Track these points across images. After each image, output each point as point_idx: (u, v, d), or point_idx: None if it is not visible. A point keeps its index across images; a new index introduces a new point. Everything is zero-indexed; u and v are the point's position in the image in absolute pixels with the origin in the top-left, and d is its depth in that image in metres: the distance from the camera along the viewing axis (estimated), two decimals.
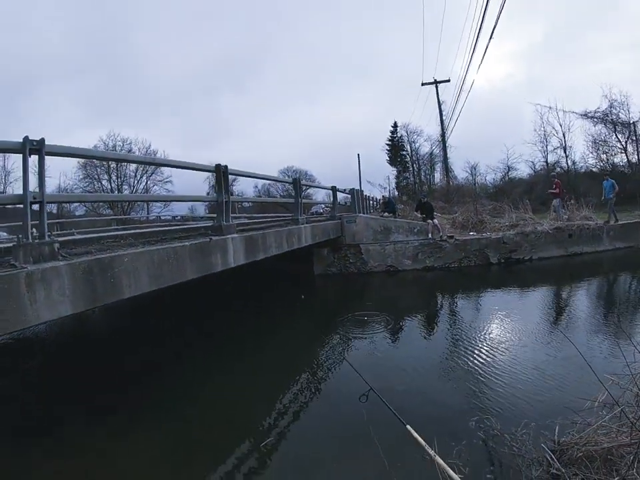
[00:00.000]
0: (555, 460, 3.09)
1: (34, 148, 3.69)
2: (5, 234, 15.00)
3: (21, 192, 3.68)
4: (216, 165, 6.12)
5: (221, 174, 6.08)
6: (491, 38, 16.02)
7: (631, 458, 2.65)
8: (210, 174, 40.10)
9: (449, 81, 30.27)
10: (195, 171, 6.39)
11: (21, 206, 3.75)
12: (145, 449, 4.14)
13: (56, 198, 4.10)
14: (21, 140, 3.61)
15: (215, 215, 6.71)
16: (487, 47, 17.88)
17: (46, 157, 3.82)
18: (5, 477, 3.68)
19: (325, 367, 6.02)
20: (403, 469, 3.23)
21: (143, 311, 10.12)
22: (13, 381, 6.34)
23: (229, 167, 6.15)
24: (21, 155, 3.65)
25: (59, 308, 3.65)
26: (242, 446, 4.15)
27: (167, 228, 8.39)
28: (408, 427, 2.07)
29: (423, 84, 31.35)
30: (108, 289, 4.08)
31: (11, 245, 4.64)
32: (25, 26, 53.21)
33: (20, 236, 3.72)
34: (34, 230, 3.77)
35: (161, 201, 26.48)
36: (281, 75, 78.33)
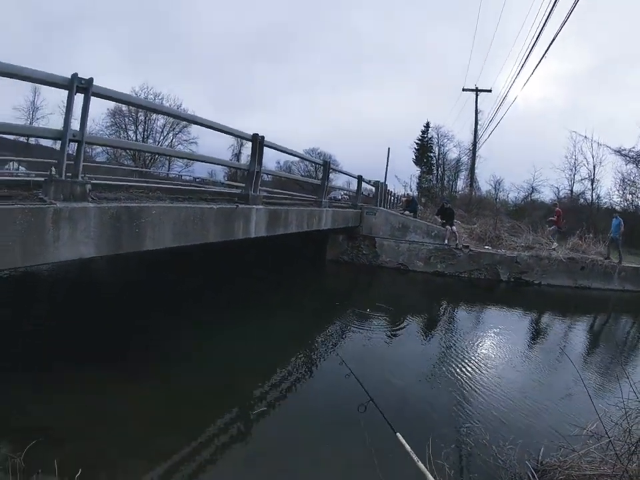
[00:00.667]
0: (536, 478, 3.16)
1: (81, 86, 3.64)
2: (23, 168, 15.11)
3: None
4: (253, 134, 6.11)
5: (257, 144, 6.07)
6: (543, 57, 15.71)
7: None
8: (235, 142, 40.73)
9: (490, 91, 29.65)
10: (219, 138, 6.40)
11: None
12: (143, 399, 4.21)
13: (95, 140, 4.07)
14: (69, 77, 3.56)
15: (237, 184, 6.67)
16: (537, 65, 17.44)
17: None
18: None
19: (326, 363, 5.88)
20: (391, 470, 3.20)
21: (169, 266, 10.28)
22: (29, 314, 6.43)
23: (265, 139, 6.11)
24: (67, 91, 3.60)
25: (81, 249, 3.65)
26: (233, 412, 4.28)
27: (191, 188, 8.39)
28: (398, 434, 2.11)
29: (464, 89, 30.72)
30: (132, 238, 4.12)
31: (37, 179, 4.62)
32: None
33: (53, 172, 3.70)
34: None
35: (194, 160, 26.41)
36: (321, 57, 77.59)
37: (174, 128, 37.02)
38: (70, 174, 3.77)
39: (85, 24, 56.10)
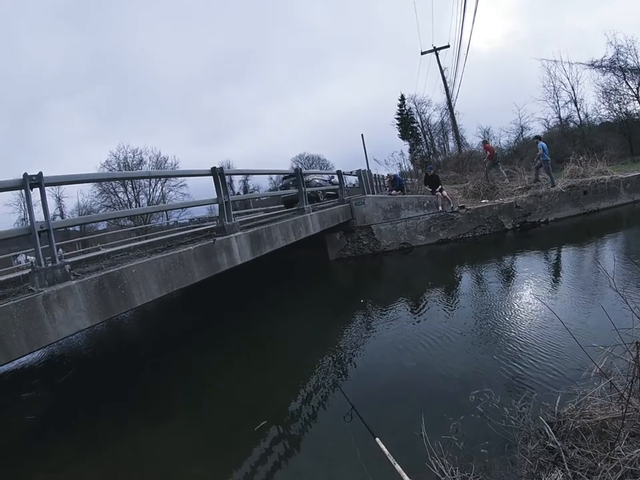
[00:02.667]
0: (552, 433, 3.03)
1: (34, 182, 4.01)
2: (33, 258, 15.58)
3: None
4: (212, 167, 6.34)
5: (217, 176, 6.29)
6: None
7: (623, 432, 2.59)
8: None
9: (448, 46, 29.11)
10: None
11: None
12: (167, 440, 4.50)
13: (60, 224, 4.33)
14: (21, 177, 3.93)
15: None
16: (476, 3, 17.45)
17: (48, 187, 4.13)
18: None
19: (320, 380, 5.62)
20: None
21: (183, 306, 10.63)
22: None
23: (224, 169, 6.39)
24: (23, 190, 3.97)
25: (77, 323, 4.01)
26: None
27: (177, 234, 8.69)
28: (377, 439, 2.22)
29: (422, 53, 30.42)
30: (120, 300, 4.41)
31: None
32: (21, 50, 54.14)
33: (33, 263, 4.05)
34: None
35: (161, 211, 27.40)
36: (285, 61, 78.48)
37: (160, 178, 37.71)
38: (49, 258, 4.13)
39: (50, 100, 57.72)
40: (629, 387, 2.69)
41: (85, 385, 6.68)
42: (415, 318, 7.12)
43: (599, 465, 2.54)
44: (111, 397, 5.79)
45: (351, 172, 15.20)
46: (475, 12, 19.24)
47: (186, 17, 73.38)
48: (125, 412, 5.21)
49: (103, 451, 4.39)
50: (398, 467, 1.15)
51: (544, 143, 14.50)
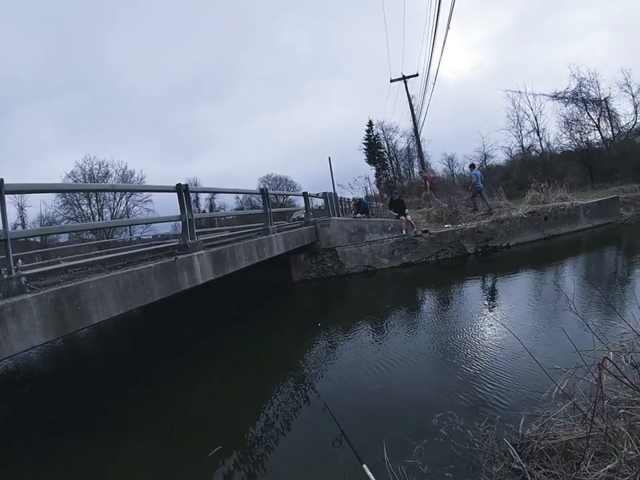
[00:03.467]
0: (517, 455, 3.02)
1: None
2: None
3: None
4: (177, 184, 6.32)
5: (182, 193, 6.27)
6: (448, 27, 16.17)
7: (589, 452, 2.60)
8: None
9: (417, 75, 29.72)
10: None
11: None
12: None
13: (19, 234, 4.21)
14: None
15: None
16: (445, 35, 18.23)
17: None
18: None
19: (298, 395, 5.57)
20: None
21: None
22: None
23: (189, 185, 6.37)
24: None
25: (30, 338, 3.86)
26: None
27: (139, 250, 8.55)
28: (364, 466, 2.19)
29: (391, 80, 31.04)
30: (76, 316, 4.28)
31: None
32: None
33: None
34: None
35: (122, 226, 26.99)
36: (257, 82, 79.50)
37: (125, 192, 37.03)
38: (5, 269, 4.03)
39: (21, 108, 56.32)
40: (593, 408, 2.73)
41: (41, 400, 6.45)
42: (377, 341, 7.12)
43: None
44: (67, 412, 5.63)
45: (317, 194, 15.38)
46: (445, 42, 20.16)
47: (162, 34, 73.43)
48: (82, 427, 5.06)
49: (58, 466, 4.33)
50: None
51: (478, 172, 15.30)
